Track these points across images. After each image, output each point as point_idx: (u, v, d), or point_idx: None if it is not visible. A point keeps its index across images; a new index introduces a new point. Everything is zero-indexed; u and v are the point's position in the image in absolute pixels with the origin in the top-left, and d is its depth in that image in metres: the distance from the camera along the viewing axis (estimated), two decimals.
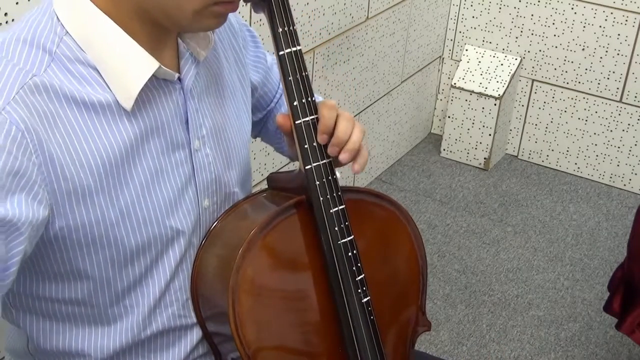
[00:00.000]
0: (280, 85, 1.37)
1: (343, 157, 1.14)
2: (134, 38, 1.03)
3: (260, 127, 1.44)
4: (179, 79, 1.11)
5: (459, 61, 3.42)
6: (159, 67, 1.05)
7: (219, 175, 1.18)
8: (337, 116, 1.14)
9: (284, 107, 1.36)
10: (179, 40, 1.12)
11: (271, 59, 1.38)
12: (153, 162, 1.08)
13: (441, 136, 3.51)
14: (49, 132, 0.98)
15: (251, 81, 1.32)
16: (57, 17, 1.02)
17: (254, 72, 1.33)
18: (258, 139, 1.49)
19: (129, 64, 1.03)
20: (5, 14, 1.55)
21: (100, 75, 1.03)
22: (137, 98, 1.04)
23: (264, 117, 1.42)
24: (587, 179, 3.36)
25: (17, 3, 1.56)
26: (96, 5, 1.02)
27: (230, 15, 1.24)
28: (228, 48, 1.24)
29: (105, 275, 1.09)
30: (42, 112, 0.97)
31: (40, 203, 0.97)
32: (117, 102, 1.03)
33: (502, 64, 3.30)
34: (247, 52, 1.31)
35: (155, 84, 1.07)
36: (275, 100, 1.41)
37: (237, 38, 1.26)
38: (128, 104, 1.03)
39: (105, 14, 1.02)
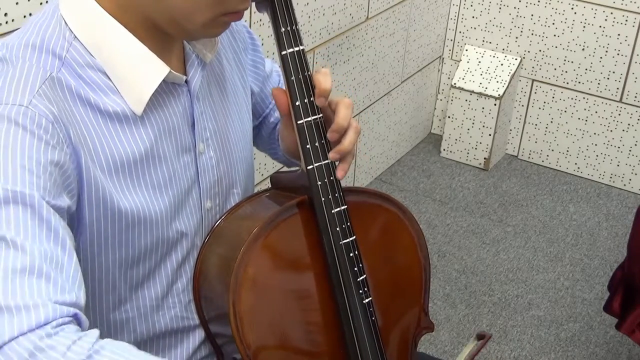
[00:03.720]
0: None
1: (333, 156, 1.14)
2: (143, 42, 1.03)
3: (255, 134, 1.43)
4: (186, 81, 1.11)
5: (459, 61, 3.42)
6: (169, 71, 1.05)
7: (222, 177, 1.18)
8: (336, 101, 1.14)
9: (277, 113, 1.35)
10: (184, 43, 1.12)
11: (270, 65, 1.37)
12: (166, 165, 1.09)
13: (441, 136, 3.51)
14: (70, 127, 0.98)
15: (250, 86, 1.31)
16: (65, 21, 1.02)
17: (252, 77, 1.33)
18: None
19: (140, 69, 1.03)
20: (5, 14, 1.55)
21: (111, 80, 1.03)
22: (147, 102, 1.04)
23: (259, 124, 1.41)
24: (587, 179, 3.36)
25: (17, 3, 1.56)
26: (105, 10, 1.02)
27: None
28: (228, 49, 1.24)
29: (111, 277, 1.08)
30: (62, 106, 0.98)
31: (69, 193, 0.97)
32: (129, 108, 1.03)
33: (502, 64, 3.30)
34: (246, 55, 1.31)
35: (164, 87, 1.07)
36: (270, 106, 1.40)
37: (236, 39, 1.26)
38: (139, 109, 1.04)
39: (115, 18, 1.02)
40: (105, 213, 1.03)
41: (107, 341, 0.86)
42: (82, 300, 0.90)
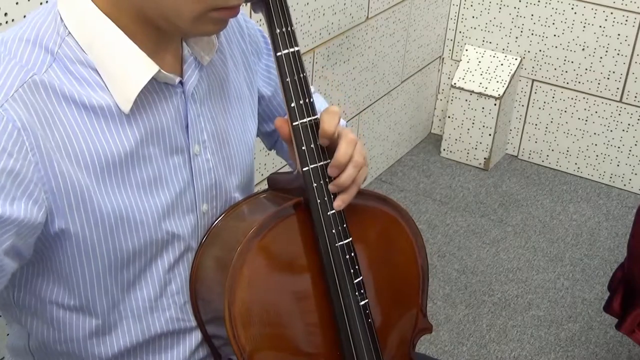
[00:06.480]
0: None
1: (332, 188, 1.13)
2: (134, 41, 1.03)
3: (274, 141, 1.43)
4: (181, 83, 1.10)
5: (459, 61, 3.42)
6: (159, 70, 1.04)
7: (220, 180, 1.18)
8: (340, 135, 1.13)
9: None
10: (184, 44, 1.12)
11: None
12: (151, 166, 1.08)
13: (441, 136, 3.51)
14: (46, 131, 0.98)
15: (259, 90, 1.31)
16: (61, 17, 1.02)
17: (264, 81, 1.32)
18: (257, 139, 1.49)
19: (129, 67, 1.03)
20: (5, 14, 1.55)
21: (100, 77, 1.03)
22: (136, 101, 1.04)
23: (275, 131, 1.40)
24: (587, 179, 3.35)
25: (17, 3, 1.56)
26: (98, 7, 1.02)
27: (240, 18, 1.24)
28: (236, 51, 1.23)
29: (103, 280, 1.09)
30: (41, 110, 0.98)
31: (35, 203, 0.97)
32: (117, 105, 1.03)
33: (502, 64, 3.30)
34: (259, 60, 1.30)
35: (156, 87, 1.07)
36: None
37: (246, 42, 1.25)
38: (126, 106, 1.03)
39: (107, 15, 1.02)
40: (87, 217, 1.03)
41: None
42: None
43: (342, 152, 1.12)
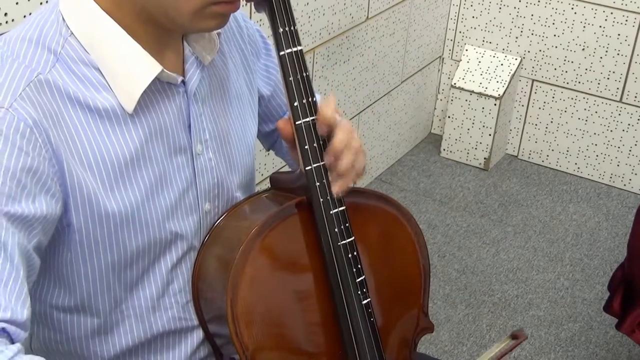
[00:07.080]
0: None
1: (331, 176, 1.13)
2: (137, 40, 1.03)
3: (273, 141, 1.42)
4: (183, 82, 1.10)
5: (459, 61, 3.42)
6: (162, 70, 1.04)
7: (221, 179, 1.18)
8: (336, 124, 1.13)
9: None
10: (185, 44, 1.12)
11: None
12: (156, 166, 1.08)
13: (441, 136, 3.51)
14: (54, 129, 0.98)
15: (258, 90, 1.30)
16: (63, 17, 1.02)
17: (263, 82, 1.32)
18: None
19: (132, 67, 1.03)
20: (5, 14, 1.55)
21: (103, 77, 1.03)
22: (139, 100, 1.04)
23: (277, 130, 1.40)
24: (587, 179, 3.36)
25: (17, 3, 1.56)
26: (100, 7, 1.02)
27: (239, 18, 1.24)
28: (235, 51, 1.23)
29: (105, 278, 1.09)
30: (47, 109, 0.98)
31: (53, 197, 0.98)
32: (120, 105, 1.03)
33: (502, 64, 3.30)
34: (258, 60, 1.30)
35: (159, 87, 1.07)
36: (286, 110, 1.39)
37: (245, 42, 1.25)
38: (130, 106, 1.03)
39: (109, 15, 1.02)
40: (92, 216, 1.03)
41: (28, 357, 0.87)
42: (19, 315, 0.90)
43: (338, 139, 1.12)
